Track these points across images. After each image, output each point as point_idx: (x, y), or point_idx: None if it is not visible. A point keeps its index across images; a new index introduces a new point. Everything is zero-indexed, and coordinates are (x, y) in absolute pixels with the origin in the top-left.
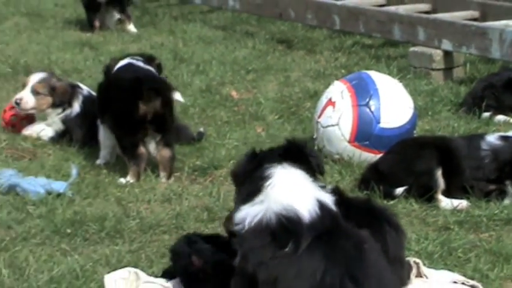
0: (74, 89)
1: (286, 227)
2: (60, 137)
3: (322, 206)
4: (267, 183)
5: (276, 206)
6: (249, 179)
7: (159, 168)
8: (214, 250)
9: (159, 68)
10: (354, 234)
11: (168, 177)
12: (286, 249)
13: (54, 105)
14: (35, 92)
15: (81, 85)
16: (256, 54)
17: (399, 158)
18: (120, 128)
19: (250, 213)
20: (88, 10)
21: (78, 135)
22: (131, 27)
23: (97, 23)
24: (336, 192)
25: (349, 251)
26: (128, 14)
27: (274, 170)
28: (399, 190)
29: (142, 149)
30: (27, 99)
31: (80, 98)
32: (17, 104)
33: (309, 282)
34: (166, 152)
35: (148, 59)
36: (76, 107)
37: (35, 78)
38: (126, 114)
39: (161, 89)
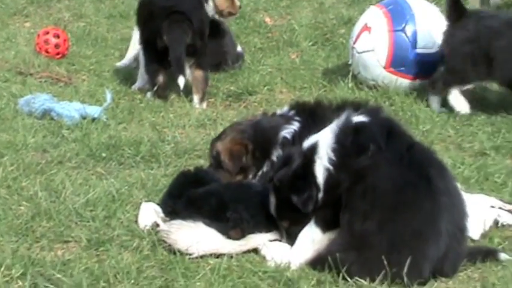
0: None
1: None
2: None
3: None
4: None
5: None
6: None
7: (192, 91)
8: None
9: None
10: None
11: (201, 100)
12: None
13: None
14: None
15: None
16: None
17: None
18: (145, 54)
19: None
20: None
21: None
22: None
23: None
24: None
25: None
26: None
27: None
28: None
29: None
30: None
31: None
32: None
33: (399, 168)
34: (199, 74)
35: None
36: None
37: None
38: (152, 42)
39: (191, 21)
